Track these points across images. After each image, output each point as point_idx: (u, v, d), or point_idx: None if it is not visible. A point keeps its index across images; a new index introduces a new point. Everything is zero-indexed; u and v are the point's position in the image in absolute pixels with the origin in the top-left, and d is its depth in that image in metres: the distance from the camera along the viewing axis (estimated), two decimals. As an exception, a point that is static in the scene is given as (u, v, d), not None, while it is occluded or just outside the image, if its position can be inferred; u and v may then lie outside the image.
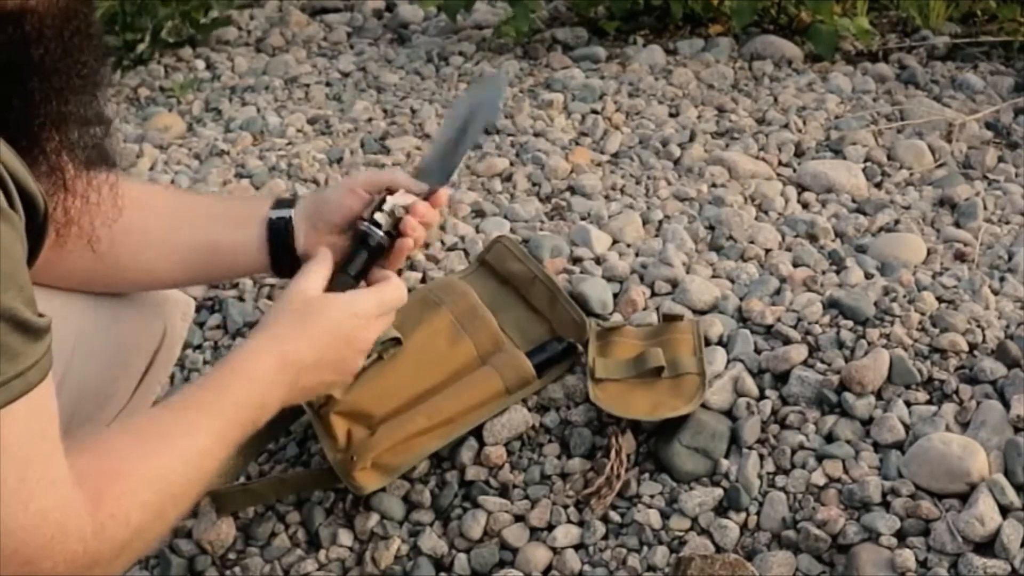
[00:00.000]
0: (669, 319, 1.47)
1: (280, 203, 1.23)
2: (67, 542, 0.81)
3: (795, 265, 1.64)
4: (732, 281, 1.60)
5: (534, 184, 1.92)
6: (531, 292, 1.49)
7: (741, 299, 1.54)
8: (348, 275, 1.18)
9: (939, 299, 1.50)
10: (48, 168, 0.86)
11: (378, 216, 1.19)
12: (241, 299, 1.65)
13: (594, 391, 1.36)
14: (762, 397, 1.39)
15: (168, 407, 1.00)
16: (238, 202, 1.37)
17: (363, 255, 1.19)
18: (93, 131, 0.91)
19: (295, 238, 1.20)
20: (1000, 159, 2.01)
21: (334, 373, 1.14)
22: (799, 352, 1.41)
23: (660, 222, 1.77)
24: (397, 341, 1.38)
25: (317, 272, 1.14)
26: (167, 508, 0.91)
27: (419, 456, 1.35)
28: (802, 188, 1.91)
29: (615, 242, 1.72)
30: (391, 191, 1.20)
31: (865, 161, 1.98)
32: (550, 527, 1.32)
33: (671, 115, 2.19)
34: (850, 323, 1.45)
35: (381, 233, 1.19)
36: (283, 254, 1.20)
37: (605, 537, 1.31)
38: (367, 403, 1.35)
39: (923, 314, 1.46)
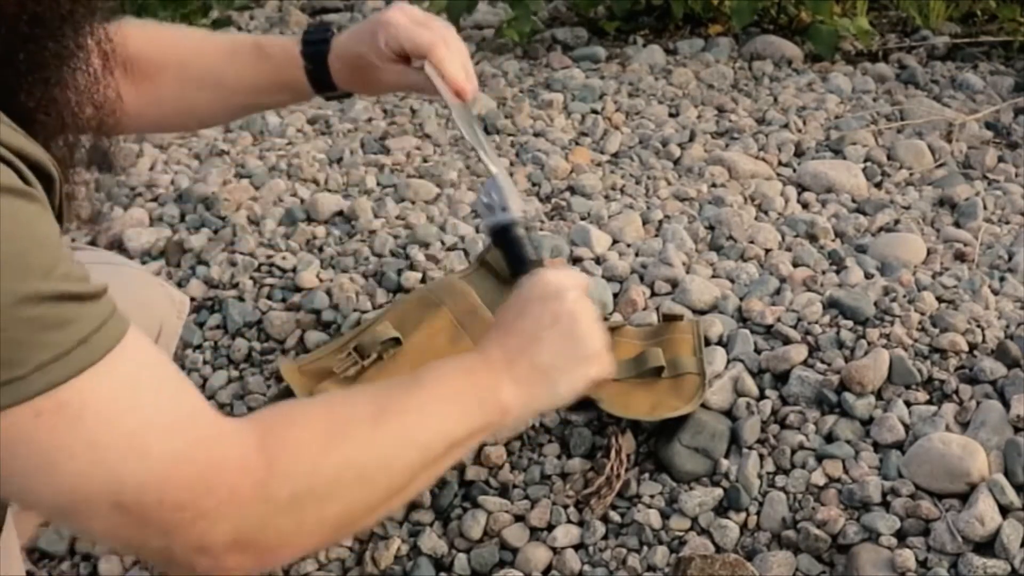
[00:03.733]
0: (669, 319, 1.47)
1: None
2: (227, 473, 0.76)
3: (795, 265, 1.64)
4: (732, 281, 1.60)
5: (534, 184, 1.92)
6: (531, 292, 1.49)
7: (741, 299, 1.54)
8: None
9: (939, 299, 1.50)
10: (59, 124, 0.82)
11: None
12: (241, 299, 1.65)
13: (594, 391, 1.36)
14: (762, 397, 1.39)
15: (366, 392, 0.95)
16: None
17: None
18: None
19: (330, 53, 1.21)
20: (1000, 159, 2.01)
21: (562, 339, 1.02)
22: (799, 352, 1.41)
23: (660, 222, 1.77)
24: (397, 341, 1.38)
25: None
26: (359, 492, 0.84)
27: (419, 456, 1.35)
28: (802, 188, 1.91)
29: (615, 242, 1.72)
30: None
31: (865, 161, 1.98)
32: (550, 527, 1.32)
33: (671, 115, 2.19)
34: (850, 323, 1.45)
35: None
36: (320, 63, 1.21)
37: (605, 537, 1.31)
38: (367, 403, 1.35)
39: (923, 314, 1.46)
